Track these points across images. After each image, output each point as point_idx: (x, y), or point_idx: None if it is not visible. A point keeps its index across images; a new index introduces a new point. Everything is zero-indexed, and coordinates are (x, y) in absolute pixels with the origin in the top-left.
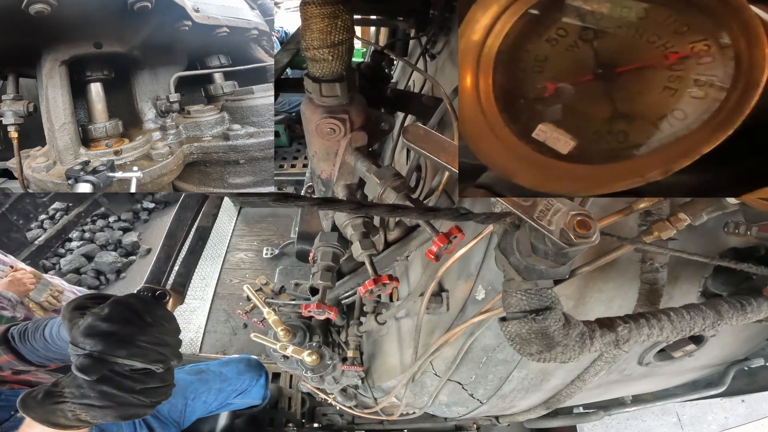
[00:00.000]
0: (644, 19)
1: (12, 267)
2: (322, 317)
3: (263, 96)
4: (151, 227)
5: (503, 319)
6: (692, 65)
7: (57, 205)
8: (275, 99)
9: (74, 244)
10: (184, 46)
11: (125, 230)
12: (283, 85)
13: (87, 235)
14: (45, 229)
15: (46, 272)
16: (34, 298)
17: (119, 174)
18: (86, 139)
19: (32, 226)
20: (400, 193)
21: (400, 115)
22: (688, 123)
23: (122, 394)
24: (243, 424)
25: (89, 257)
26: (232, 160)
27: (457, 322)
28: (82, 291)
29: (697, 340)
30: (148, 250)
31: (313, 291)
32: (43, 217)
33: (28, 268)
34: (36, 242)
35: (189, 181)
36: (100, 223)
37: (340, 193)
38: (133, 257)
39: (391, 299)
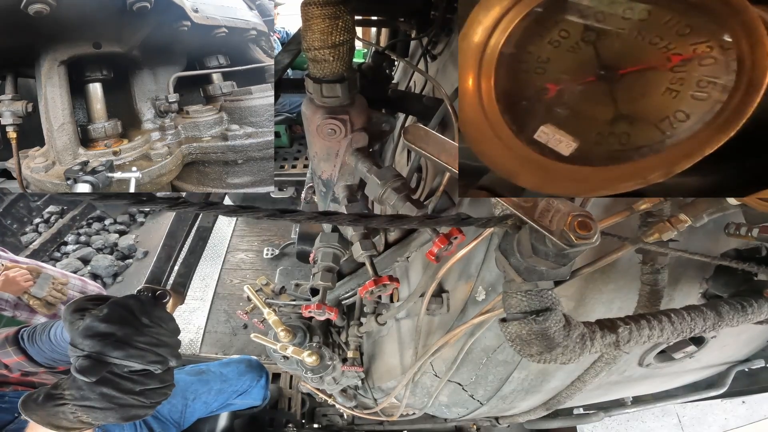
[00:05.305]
0: (646, 20)
1: (3, 266)
2: (323, 318)
3: (262, 96)
4: (147, 230)
5: (503, 320)
6: (694, 67)
7: (52, 208)
8: (276, 99)
9: (70, 247)
10: (182, 46)
11: (121, 233)
12: (283, 86)
13: (83, 238)
14: (40, 233)
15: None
16: (36, 294)
17: (118, 174)
18: (85, 140)
19: (27, 229)
20: (401, 194)
21: (401, 115)
22: (691, 124)
23: (122, 395)
24: (243, 424)
25: (85, 261)
26: (231, 160)
27: (458, 323)
28: (84, 279)
29: (698, 341)
30: (145, 253)
31: (314, 292)
32: (37, 220)
33: (29, 261)
34: (31, 246)
35: (188, 181)
36: (95, 226)
37: (341, 194)
38: (130, 260)
39: (391, 300)
